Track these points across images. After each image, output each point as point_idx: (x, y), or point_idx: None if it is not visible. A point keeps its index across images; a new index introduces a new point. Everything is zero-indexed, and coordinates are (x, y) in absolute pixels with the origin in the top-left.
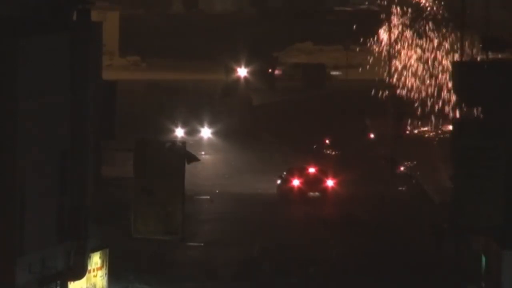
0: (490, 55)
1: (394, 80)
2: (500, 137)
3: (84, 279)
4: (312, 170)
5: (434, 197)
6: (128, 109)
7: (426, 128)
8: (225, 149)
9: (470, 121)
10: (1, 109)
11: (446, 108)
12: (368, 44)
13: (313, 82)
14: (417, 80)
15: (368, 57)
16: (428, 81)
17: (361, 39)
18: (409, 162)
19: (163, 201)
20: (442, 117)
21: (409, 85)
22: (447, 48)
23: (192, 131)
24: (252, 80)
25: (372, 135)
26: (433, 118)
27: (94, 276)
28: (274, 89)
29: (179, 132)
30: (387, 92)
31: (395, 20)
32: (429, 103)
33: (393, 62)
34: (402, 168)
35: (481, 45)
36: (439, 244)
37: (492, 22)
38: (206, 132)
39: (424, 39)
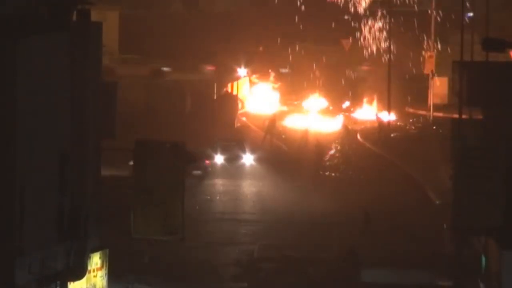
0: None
1: None
2: (500, 137)
3: (84, 279)
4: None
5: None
6: (128, 109)
7: None
8: (268, 176)
9: (470, 121)
10: (1, 109)
11: None
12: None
13: None
14: None
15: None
16: None
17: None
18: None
19: (163, 201)
20: None
21: None
22: None
23: (233, 158)
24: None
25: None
26: None
27: (94, 276)
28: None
29: (219, 159)
30: None
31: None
32: None
33: None
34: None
35: (481, 45)
36: (365, 229)
37: (492, 22)
38: (248, 159)
39: None
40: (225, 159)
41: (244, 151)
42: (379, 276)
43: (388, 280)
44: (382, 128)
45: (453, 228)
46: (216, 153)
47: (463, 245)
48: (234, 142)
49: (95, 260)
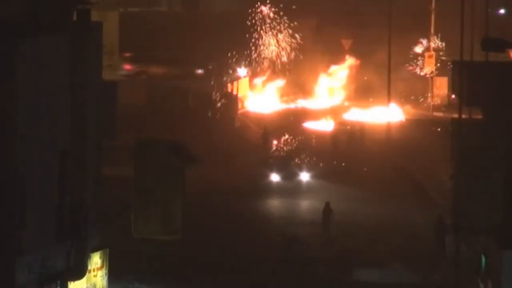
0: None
1: None
2: (500, 137)
3: (84, 279)
4: None
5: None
6: (128, 109)
7: None
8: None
9: (470, 121)
10: (1, 109)
11: None
12: None
13: None
14: None
15: None
16: None
17: None
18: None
19: (163, 201)
20: None
21: None
22: None
23: (289, 175)
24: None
25: None
26: None
27: (94, 276)
28: None
29: (275, 177)
30: None
31: None
32: None
33: None
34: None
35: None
36: (327, 225)
37: (492, 22)
38: (305, 176)
39: None
40: (282, 177)
41: (300, 169)
42: (371, 275)
43: (381, 280)
44: (365, 130)
45: (453, 228)
46: (271, 172)
47: (463, 244)
48: (283, 158)
49: (95, 260)
